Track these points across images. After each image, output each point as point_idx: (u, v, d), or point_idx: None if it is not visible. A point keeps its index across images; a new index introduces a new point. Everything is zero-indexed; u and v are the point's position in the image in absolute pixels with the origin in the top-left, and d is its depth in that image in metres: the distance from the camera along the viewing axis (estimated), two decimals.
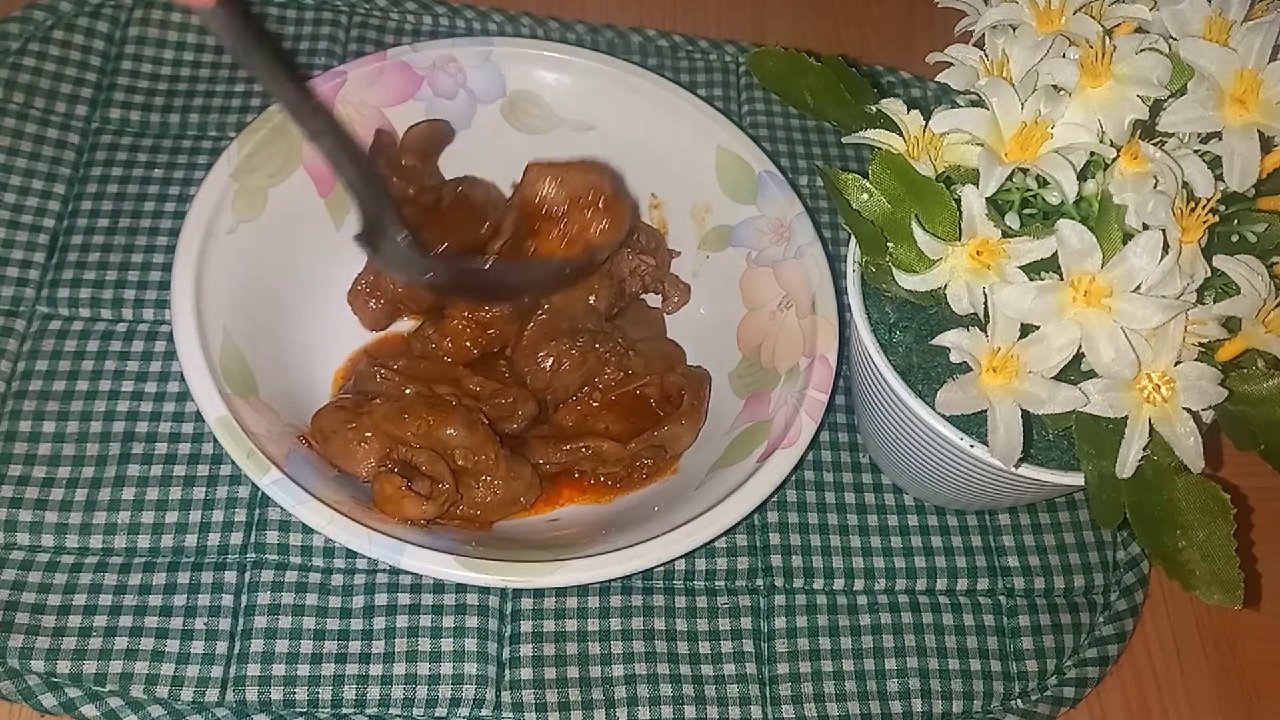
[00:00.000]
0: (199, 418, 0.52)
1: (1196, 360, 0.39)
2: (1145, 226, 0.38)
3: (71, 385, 0.55)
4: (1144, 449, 0.39)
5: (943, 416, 0.47)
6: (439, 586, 0.52)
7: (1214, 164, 0.40)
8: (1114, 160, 0.40)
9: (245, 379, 0.51)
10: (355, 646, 0.51)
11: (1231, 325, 0.40)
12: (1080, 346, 0.38)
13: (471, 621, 0.52)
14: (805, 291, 0.56)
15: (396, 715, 0.50)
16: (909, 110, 0.45)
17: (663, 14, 0.76)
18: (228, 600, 0.51)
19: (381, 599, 0.52)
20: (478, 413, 0.53)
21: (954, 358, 0.41)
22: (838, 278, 0.56)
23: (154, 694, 0.48)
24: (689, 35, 0.73)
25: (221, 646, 0.50)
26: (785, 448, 0.51)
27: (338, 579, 0.52)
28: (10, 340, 0.56)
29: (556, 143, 0.62)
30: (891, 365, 0.48)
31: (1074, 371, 0.40)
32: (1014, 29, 0.43)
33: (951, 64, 0.45)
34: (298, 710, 0.49)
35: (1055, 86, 0.41)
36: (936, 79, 0.45)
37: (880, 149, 0.44)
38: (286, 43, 0.68)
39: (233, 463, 0.48)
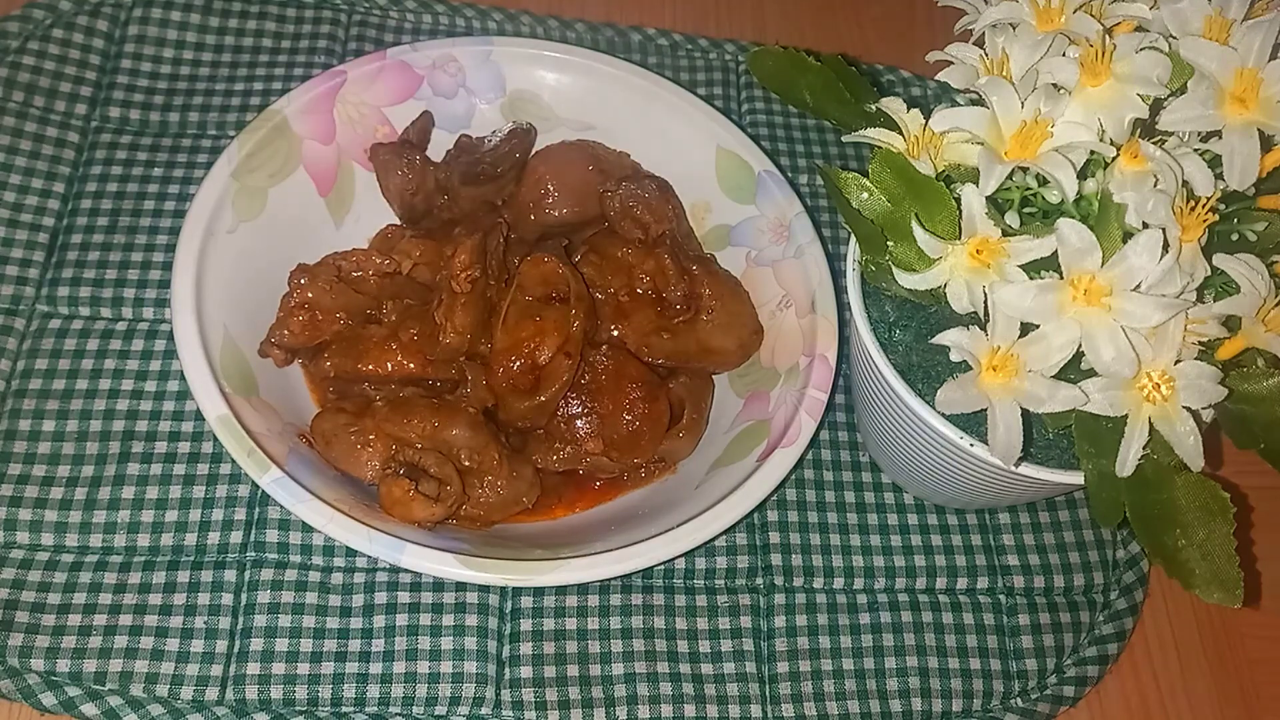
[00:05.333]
0: (199, 416, 0.52)
1: (1196, 359, 0.39)
2: (1145, 225, 0.38)
3: (71, 384, 0.55)
4: (1144, 448, 0.39)
5: (942, 415, 0.47)
6: (439, 585, 0.52)
7: (1214, 162, 0.40)
8: (1114, 159, 0.40)
9: (245, 378, 0.51)
10: (355, 645, 0.51)
11: (1231, 324, 0.40)
12: (1080, 345, 0.38)
13: (471, 620, 0.52)
14: (804, 291, 0.56)
15: (396, 714, 0.50)
16: (909, 109, 0.45)
17: (662, 12, 0.76)
18: (227, 599, 0.51)
19: (381, 597, 0.52)
20: (479, 412, 0.52)
21: (954, 356, 0.41)
22: (837, 276, 0.56)
23: (154, 692, 0.48)
24: (689, 34, 0.73)
25: (221, 645, 0.50)
26: (785, 447, 0.51)
27: (337, 577, 0.52)
28: (10, 339, 0.56)
29: (556, 141, 0.62)
30: (891, 364, 0.48)
31: (1074, 370, 0.40)
32: (1014, 27, 0.43)
33: (951, 62, 0.45)
34: (297, 709, 0.49)
35: (1055, 85, 0.41)
36: (936, 78, 0.45)
37: (880, 148, 0.44)
38: (286, 42, 0.68)
39: (232, 461, 0.48)
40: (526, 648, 0.52)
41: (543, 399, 0.51)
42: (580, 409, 0.53)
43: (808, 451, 0.54)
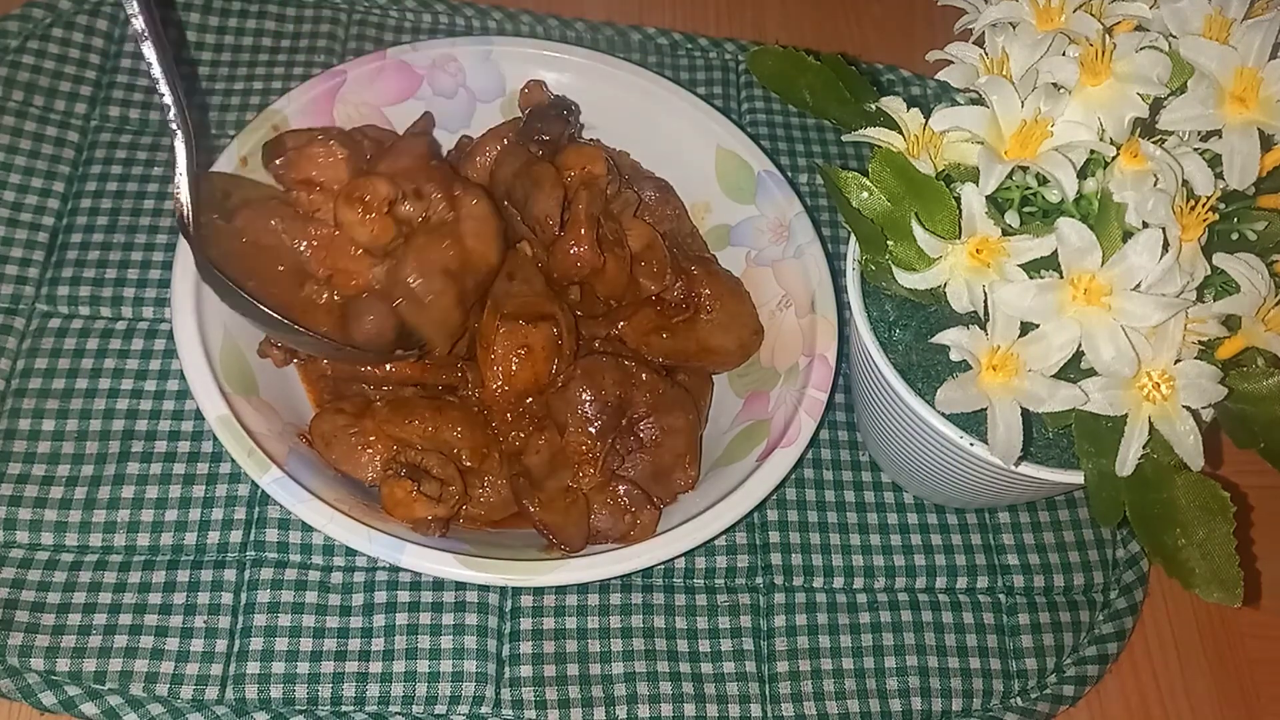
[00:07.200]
0: (199, 416, 0.52)
1: (1196, 358, 0.39)
2: (1145, 224, 0.38)
3: (71, 383, 0.55)
4: (1144, 447, 0.39)
5: (942, 415, 0.47)
6: (438, 584, 0.52)
7: (1214, 162, 0.40)
8: (1114, 158, 0.40)
9: (245, 377, 0.51)
10: (355, 644, 0.51)
11: (1231, 323, 0.40)
12: (1080, 345, 0.38)
13: (471, 619, 0.52)
14: (804, 291, 0.56)
15: (396, 713, 0.50)
16: (909, 108, 0.45)
17: (662, 12, 0.76)
18: (227, 598, 0.51)
19: (381, 596, 0.52)
20: (480, 412, 0.52)
21: (954, 356, 0.41)
22: (837, 276, 0.56)
23: (154, 692, 0.48)
24: (688, 33, 0.73)
25: (221, 644, 0.50)
26: (785, 447, 0.51)
27: (337, 577, 0.52)
28: (10, 338, 0.56)
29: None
30: (891, 363, 0.48)
31: (1074, 369, 0.40)
32: (1014, 27, 0.43)
33: (951, 62, 0.45)
34: (297, 708, 0.49)
35: (1055, 84, 0.41)
36: (936, 77, 0.45)
37: (880, 147, 0.44)
38: (286, 41, 0.68)
39: (232, 460, 0.48)
40: (526, 647, 0.52)
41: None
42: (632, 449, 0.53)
43: (808, 451, 0.54)
